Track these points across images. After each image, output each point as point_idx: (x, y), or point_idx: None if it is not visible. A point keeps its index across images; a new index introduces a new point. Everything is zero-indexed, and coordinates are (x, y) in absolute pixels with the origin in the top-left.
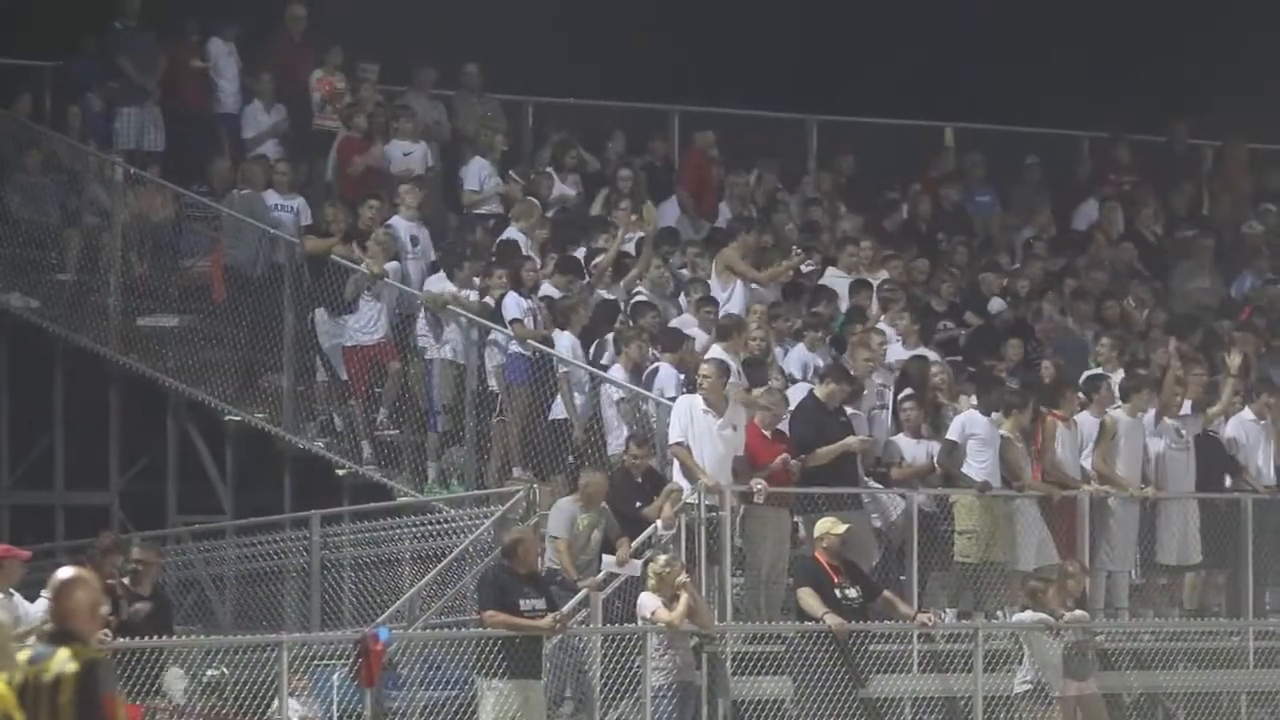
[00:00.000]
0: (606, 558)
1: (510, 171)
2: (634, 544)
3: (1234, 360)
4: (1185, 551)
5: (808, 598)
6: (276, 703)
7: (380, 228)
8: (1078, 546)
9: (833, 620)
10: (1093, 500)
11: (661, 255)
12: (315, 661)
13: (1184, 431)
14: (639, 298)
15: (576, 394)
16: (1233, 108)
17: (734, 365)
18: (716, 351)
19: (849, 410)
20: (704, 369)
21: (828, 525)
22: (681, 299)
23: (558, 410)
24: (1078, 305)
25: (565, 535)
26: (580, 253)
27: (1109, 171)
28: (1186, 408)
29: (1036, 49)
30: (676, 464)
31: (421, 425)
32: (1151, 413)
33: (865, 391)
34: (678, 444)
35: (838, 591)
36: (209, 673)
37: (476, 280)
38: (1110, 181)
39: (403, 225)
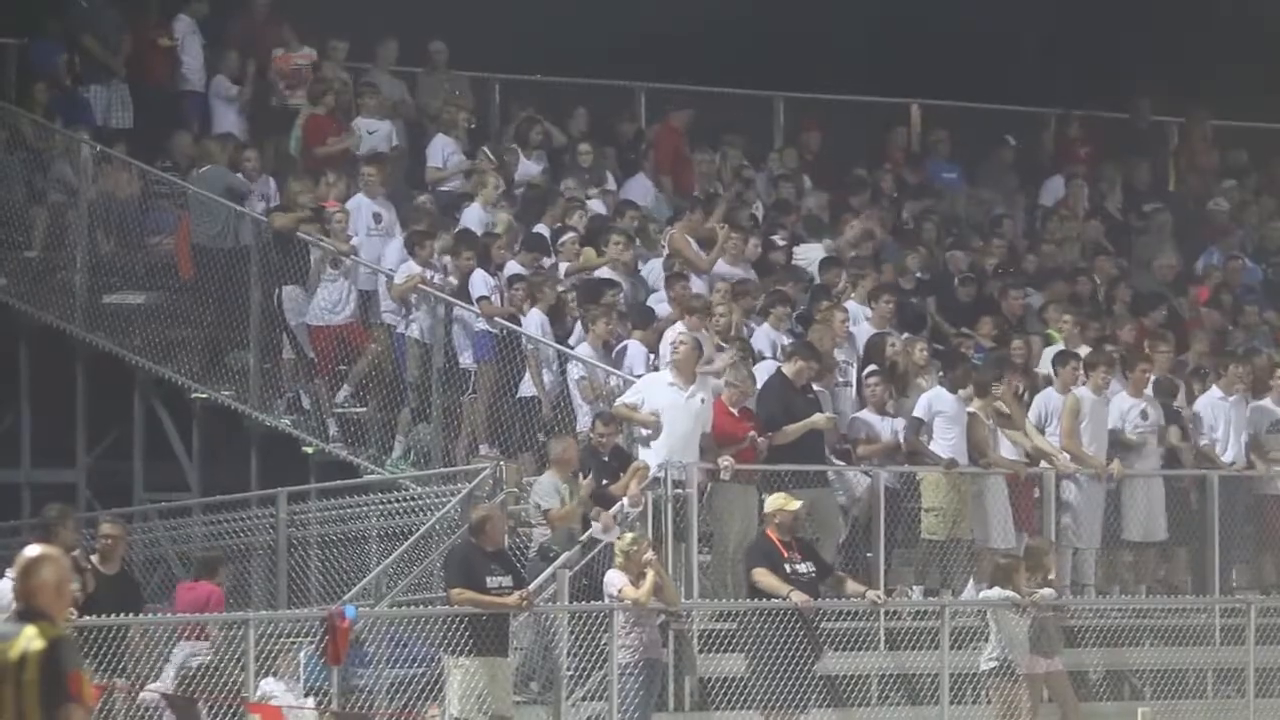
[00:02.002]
0: (594, 524)
1: (484, 148)
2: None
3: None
4: (1150, 528)
5: (764, 577)
6: (256, 683)
7: (337, 207)
8: (1043, 524)
9: (799, 596)
10: (1058, 477)
11: (623, 233)
12: (282, 639)
13: (1149, 410)
14: (603, 274)
15: (545, 372)
16: (1196, 83)
17: (705, 343)
18: (682, 329)
19: (816, 387)
20: (681, 337)
21: (780, 501)
22: (653, 276)
23: (526, 388)
24: (1044, 282)
25: (554, 505)
26: (544, 229)
27: (1072, 147)
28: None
29: (1003, 25)
30: (640, 447)
31: (388, 403)
32: (1121, 391)
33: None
34: (624, 403)
35: (788, 567)
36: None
37: (435, 258)
38: (1075, 157)
39: (366, 203)
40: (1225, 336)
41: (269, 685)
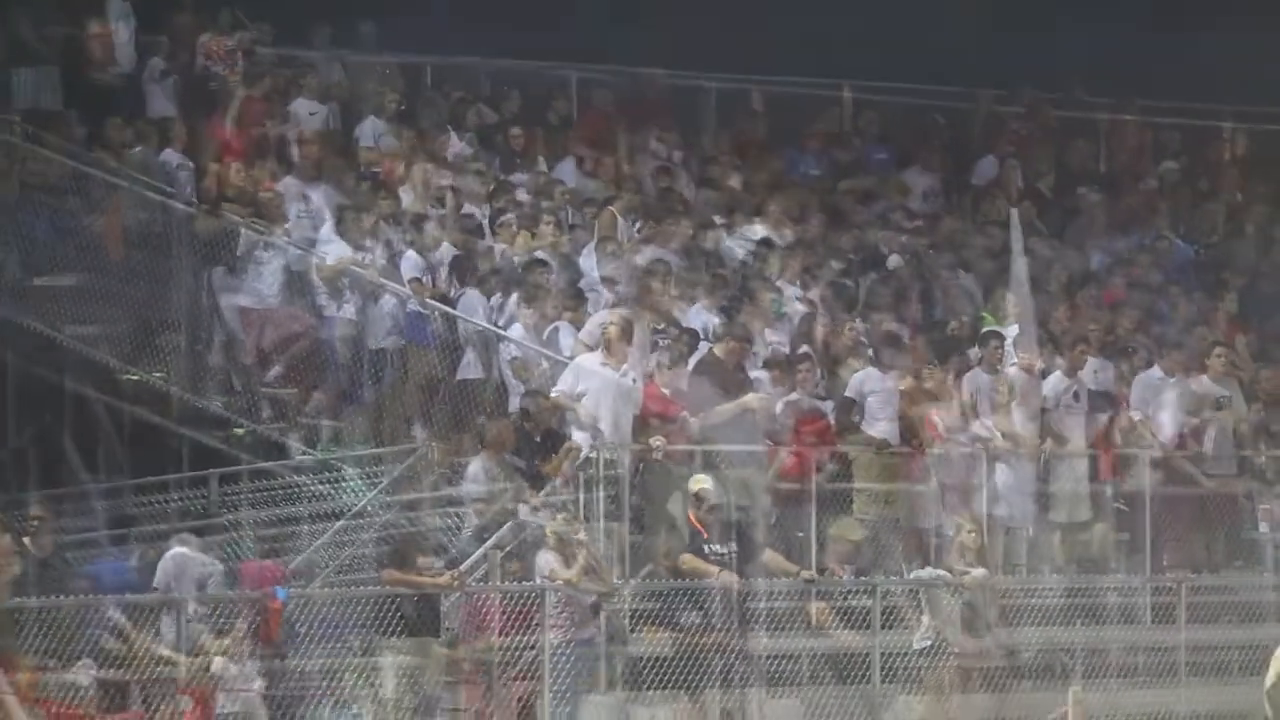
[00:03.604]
0: (522, 506)
1: (404, 131)
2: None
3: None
4: (1074, 508)
5: (691, 561)
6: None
7: (270, 190)
8: (975, 502)
9: (727, 577)
10: (991, 456)
11: (554, 214)
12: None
13: (1079, 392)
14: (534, 255)
15: (480, 352)
16: (1132, 65)
17: (638, 325)
18: (611, 314)
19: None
20: (611, 318)
21: (695, 483)
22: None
23: (463, 370)
24: (978, 263)
25: (484, 491)
26: (476, 211)
27: (1005, 128)
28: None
29: (937, 4)
30: (574, 427)
31: (319, 384)
32: (1056, 373)
33: (755, 350)
34: (561, 392)
35: (706, 547)
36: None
37: (366, 239)
38: (1008, 138)
39: (295, 185)
40: (1153, 316)
41: (220, 666)
